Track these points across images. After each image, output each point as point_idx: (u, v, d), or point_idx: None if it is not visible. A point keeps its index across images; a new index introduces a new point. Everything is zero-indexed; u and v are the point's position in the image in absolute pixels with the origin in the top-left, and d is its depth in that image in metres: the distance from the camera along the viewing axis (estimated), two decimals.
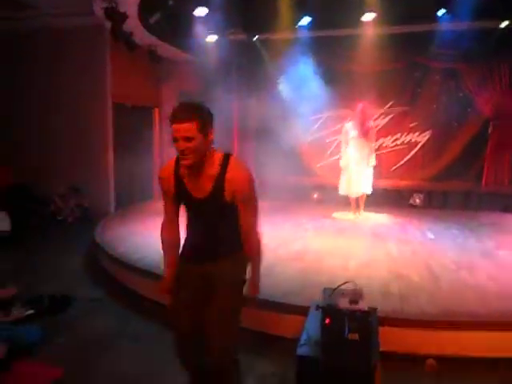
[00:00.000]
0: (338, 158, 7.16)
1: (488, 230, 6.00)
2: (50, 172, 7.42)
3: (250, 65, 8.50)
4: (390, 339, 2.85)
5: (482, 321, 3.03)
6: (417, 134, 8.46)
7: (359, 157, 6.56)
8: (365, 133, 6.53)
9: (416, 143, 8.49)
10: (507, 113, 7.74)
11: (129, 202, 8.04)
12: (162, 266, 2.32)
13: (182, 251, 2.29)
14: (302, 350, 2.41)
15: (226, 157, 2.09)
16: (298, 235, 5.61)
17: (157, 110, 9.24)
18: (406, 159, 8.53)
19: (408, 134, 8.51)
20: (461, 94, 8.09)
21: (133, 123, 8.50)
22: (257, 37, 7.96)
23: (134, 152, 8.38)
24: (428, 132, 8.38)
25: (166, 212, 2.29)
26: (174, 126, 1.96)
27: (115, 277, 4.53)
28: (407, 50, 7.89)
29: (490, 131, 7.91)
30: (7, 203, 6.32)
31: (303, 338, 2.53)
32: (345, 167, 6.76)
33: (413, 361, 2.91)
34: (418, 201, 7.98)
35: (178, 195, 2.17)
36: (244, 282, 2.22)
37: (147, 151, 8.87)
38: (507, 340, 2.97)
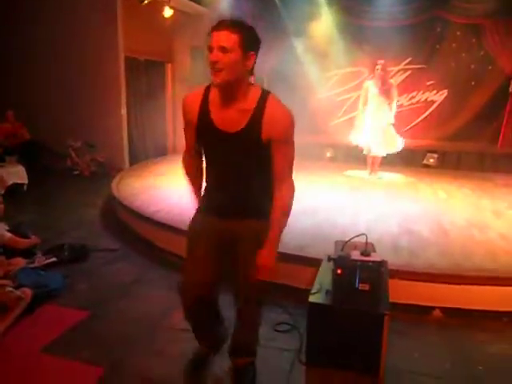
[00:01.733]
0: (354, 116, 7.08)
1: (502, 190, 5.99)
2: (65, 127, 7.48)
3: (264, 17, 8.27)
4: (399, 291, 2.94)
5: (488, 275, 3.10)
6: (433, 92, 8.30)
7: (378, 115, 6.46)
8: (386, 91, 6.41)
9: (432, 102, 8.35)
10: None
11: (142, 157, 8.13)
12: (191, 197, 2.18)
13: (201, 202, 2.10)
14: (313, 298, 2.49)
15: (265, 92, 1.85)
16: (310, 192, 5.65)
17: (169, 65, 9.13)
18: (421, 118, 8.42)
19: (424, 92, 8.35)
20: (481, 52, 7.84)
21: (146, 78, 8.45)
22: None
23: (147, 108, 8.39)
24: (445, 91, 8.21)
25: (188, 147, 2.06)
26: (213, 33, 1.73)
27: (132, 228, 4.67)
28: (427, 3, 7.61)
29: (510, 90, 7.70)
30: (24, 158, 6.43)
31: (315, 287, 2.62)
32: (361, 124, 6.66)
33: (420, 312, 3.04)
34: (431, 161, 7.92)
35: (201, 128, 1.89)
36: None
37: (160, 107, 8.86)
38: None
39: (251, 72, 1.83)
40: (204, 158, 2.02)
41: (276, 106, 1.83)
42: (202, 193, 2.11)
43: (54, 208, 5.61)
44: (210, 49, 1.72)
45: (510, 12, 7.10)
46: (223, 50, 1.70)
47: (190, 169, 2.11)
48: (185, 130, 2.00)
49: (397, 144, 6.61)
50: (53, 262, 3.72)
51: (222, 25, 1.72)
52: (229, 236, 2.00)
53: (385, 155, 6.67)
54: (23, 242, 3.74)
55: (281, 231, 1.97)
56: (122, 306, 3.17)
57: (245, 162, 1.89)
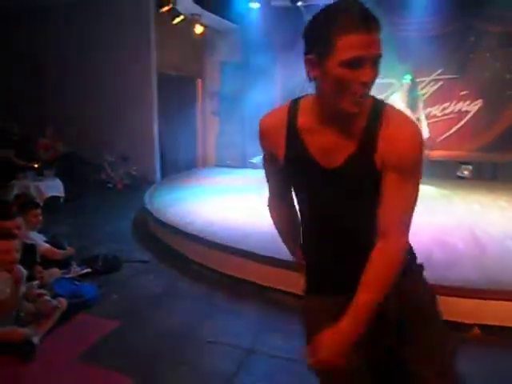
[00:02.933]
0: None
1: None
2: (100, 142, 7.72)
3: (293, 32, 8.34)
4: None
5: None
6: (467, 102, 8.08)
7: None
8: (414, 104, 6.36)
9: (466, 113, 8.12)
10: None
11: (174, 170, 8.28)
12: (291, 256, 1.55)
13: (309, 279, 1.41)
14: None
15: (379, 104, 1.24)
16: None
17: (200, 80, 9.32)
18: (454, 129, 8.21)
19: (458, 102, 8.14)
20: None
21: (177, 93, 8.65)
22: (301, 2, 7.76)
23: (178, 122, 8.57)
24: (479, 101, 7.99)
25: (273, 188, 1.44)
26: (358, 36, 1.08)
27: (164, 241, 4.73)
28: (460, 11, 7.48)
29: None
30: (61, 171, 6.66)
31: None
32: None
33: (457, 329, 2.92)
34: (466, 172, 7.71)
35: (292, 165, 1.29)
36: (436, 303, 1.41)
37: (191, 121, 9.03)
38: None
39: None
40: (298, 208, 1.41)
41: (398, 122, 1.22)
42: (306, 264, 1.43)
43: (89, 220, 5.76)
44: (358, 63, 1.10)
45: None
46: (376, 62, 1.13)
47: (281, 216, 1.48)
48: (266, 164, 1.39)
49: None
50: (87, 273, 3.83)
51: (369, 21, 1.09)
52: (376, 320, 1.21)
53: None
54: (59, 253, 3.85)
55: (372, 301, 1.17)
56: (152, 316, 3.21)
57: (362, 209, 1.25)
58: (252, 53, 7.99)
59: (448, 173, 7.78)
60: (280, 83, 8.66)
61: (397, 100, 6.41)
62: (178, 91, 8.71)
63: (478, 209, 5.45)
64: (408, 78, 6.28)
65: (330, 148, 1.23)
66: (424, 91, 7.84)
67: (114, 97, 7.78)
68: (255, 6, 7.74)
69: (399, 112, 1.26)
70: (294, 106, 1.30)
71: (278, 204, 1.45)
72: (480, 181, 7.40)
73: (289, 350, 2.63)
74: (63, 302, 3.03)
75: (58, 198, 6.32)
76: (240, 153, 8.71)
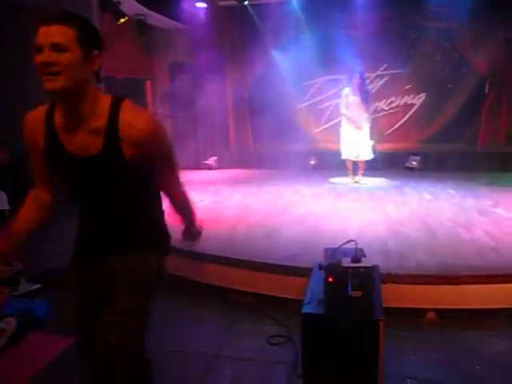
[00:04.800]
0: (336, 123, 7.15)
1: (484, 189, 6.05)
2: None
3: (242, 31, 8.34)
4: (392, 295, 2.92)
5: (479, 274, 3.10)
6: (412, 96, 8.39)
7: (358, 121, 6.54)
8: (364, 97, 6.52)
9: (411, 106, 8.43)
10: (504, 71, 7.65)
11: None
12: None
13: (75, 245, 1.81)
14: (306, 308, 2.46)
15: (117, 101, 1.52)
16: (297, 201, 5.65)
17: (149, 82, 9.12)
18: (401, 122, 8.50)
19: (403, 96, 8.44)
20: (456, 55, 7.98)
21: (126, 96, 8.41)
22: (247, 1, 7.77)
23: None
24: (423, 94, 8.31)
25: (36, 176, 1.73)
26: (40, 29, 1.36)
27: None
28: (401, 10, 7.75)
29: (486, 90, 7.84)
30: (5, 182, 6.30)
31: (307, 297, 2.58)
32: (345, 134, 6.76)
33: (414, 315, 3.01)
34: (414, 163, 7.99)
35: (51, 155, 1.56)
36: (154, 280, 1.72)
37: None
38: (504, 291, 3.05)
39: (98, 78, 1.53)
40: (67, 190, 1.70)
41: (131, 116, 1.48)
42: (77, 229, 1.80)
43: (39, 233, 5.45)
44: (38, 48, 1.36)
45: (479, 15, 7.25)
46: (57, 48, 1.35)
47: (30, 204, 1.81)
48: (31, 159, 1.65)
49: (367, 153, 6.69)
50: (38, 289, 3.63)
51: (50, 17, 1.36)
52: (108, 278, 1.67)
53: (369, 159, 6.73)
54: (5, 270, 3.63)
55: (192, 218, 1.88)
56: None
57: (109, 189, 1.57)
58: (202, 53, 7.89)
59: (397, 164, 8.05)
60: (231, 82, 8.64)
61: (348, 94, 6.55)
62: (127, 94, 8.45)
63: (429, 198, 5.67)
64: (357, 75, 6.45)
65: (82, 143, 1.48)
66: (371, 86, 8.05)
67: None
68: (202, 5, 7.66)
69: (132, 107, 1.52)
70: (52, 104, 1.53)
71: (38, 193, 1.77)
72: (428, 171, 7.70)
73: (254, 351, 2.60)
74: (11, 322, 2.85)
75: (2, 211, 5.97)
76: (193, 154, 8.60)
